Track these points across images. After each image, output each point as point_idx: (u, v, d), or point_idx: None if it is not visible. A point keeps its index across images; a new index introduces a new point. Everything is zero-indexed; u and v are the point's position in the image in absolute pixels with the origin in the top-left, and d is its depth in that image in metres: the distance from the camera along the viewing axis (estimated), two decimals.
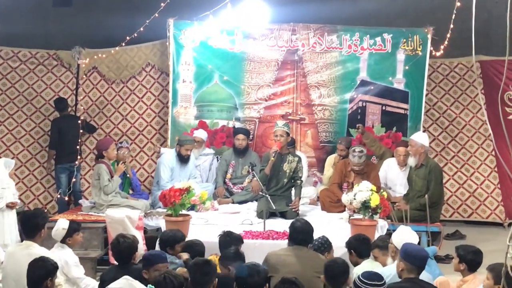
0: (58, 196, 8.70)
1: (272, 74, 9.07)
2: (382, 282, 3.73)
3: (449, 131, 9.62)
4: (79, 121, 8.66)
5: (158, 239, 5.85)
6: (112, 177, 7.53)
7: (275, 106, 9.13)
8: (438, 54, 8.45)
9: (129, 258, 4.90)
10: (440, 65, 9.73)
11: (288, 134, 7.61)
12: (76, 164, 8.59)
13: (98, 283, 5.29)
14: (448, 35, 7.89)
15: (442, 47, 8.26)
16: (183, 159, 8.17)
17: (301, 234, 5.06)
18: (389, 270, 4.68)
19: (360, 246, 5.33)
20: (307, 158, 8.94)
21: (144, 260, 4.67)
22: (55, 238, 5.50)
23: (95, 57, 9.30)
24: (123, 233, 5.45)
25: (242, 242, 5.49)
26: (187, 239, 5.95)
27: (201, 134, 8.65)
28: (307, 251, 5.04)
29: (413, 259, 4.28)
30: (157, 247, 5.80)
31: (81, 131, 8.65)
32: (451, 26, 7.49)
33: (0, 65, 9.53)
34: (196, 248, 5.36)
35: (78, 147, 8.64)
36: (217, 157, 8.85)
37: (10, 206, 6.62)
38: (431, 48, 8.72)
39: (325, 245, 5.42)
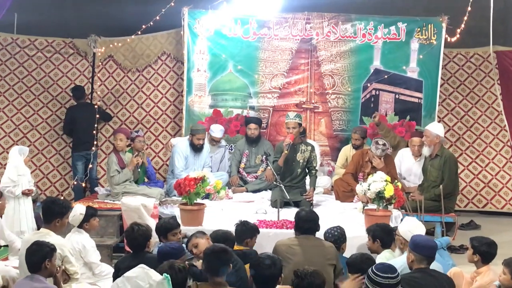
0: (75, 183, 8.79)
1: (286, 63, 9.06)
2: (396, 274, 3.72)
3: (464, 122, 9.56)
4: (95, 106, 8.71)
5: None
6: (122, 167, 7.58)
7: (289, 94, 9.13)
8: (453, 39, 8.34)
9: (143, 246, 4.98)
10: (456, 55, 9.66)
11: (300, 125, 7.55)
12: (92, 150, 8.68)
13: (113, 270, 5.38)
14: (465, 18, 7.75)
15: (458, 30, 8.15)
16: (196, 148, 8.21)
17: (307, 223, 5.08)
18: (401, 261, 4.69)
19: (386, 237, 5.34)
20: (321, 147, 8.96)
21: (165, 254, 4.65)
22: (72, 223, 5.57)
23: (111, 45, 9.36)
24: (137, 221, 5.52)
25: (258, 232, 5.53)
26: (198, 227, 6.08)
27: (219, 133, 8.56)
28: (315, 239, 5.07)
29: (422, 250, 4.31)
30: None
31: (97, 116, 8.70)
32: (469, 8, 7.40)
33: (16, 53, 9.61)
34: (231, 238, 5.32)
35: (94, 134, 8.68)
36: (229, 149, 8.87)
37: (26, 193, 6.70)
38: (446, 36, 8.64)
39: (341, 238, 5.44)
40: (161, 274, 3.94)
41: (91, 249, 5.46)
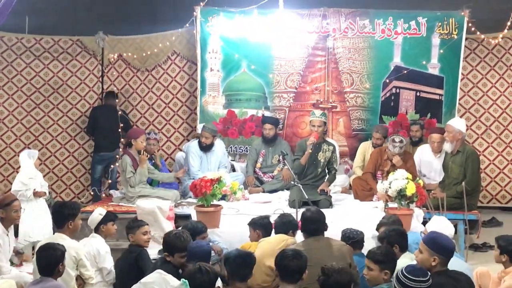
0: (92, 193, 8.76)
1: (302, 61, 8.86)
2: (428, 277, 3.54)
3: (492, 111, 9.15)
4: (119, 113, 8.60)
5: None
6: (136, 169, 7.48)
7: (306, 94, 8.93)
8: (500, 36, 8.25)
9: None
10: (482, 41, 9.10)
11: (325, 123, 7.52)
12: (115, 153, 8.63)
13: None
14: None
15: (508, 23, 8.02)
16: (202, 147, 8.14)
17: (313, 224, 4.95)
18: None
19: (403, 240, 5.12)
20: (340, 147, 8.78)
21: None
22: (90, 224, 5.57)
23: (119, 44, 9.23)
24: (153, 224, 5.51)
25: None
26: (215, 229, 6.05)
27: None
28: (324, 239, 4.92)
29: (447, 252, 4.08)
30: None
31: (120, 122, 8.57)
32: None
33: (23, 53, 9.43)
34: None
35: (116, 136, 8.52)
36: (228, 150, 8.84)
37: (38, 194, 6.61)
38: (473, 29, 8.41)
39: (360, 236, 5.31)
40: (189, 276, 3.83)
41: (104, 254, 5.38)
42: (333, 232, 5.34)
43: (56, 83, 9.48)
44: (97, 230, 5.51)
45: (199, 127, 8.63)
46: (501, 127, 9.14)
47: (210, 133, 8.11)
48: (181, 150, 9.18)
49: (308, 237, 4.96)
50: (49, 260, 4.34)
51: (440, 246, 4.06)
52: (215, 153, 8.23)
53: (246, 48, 8.89)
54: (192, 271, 3.92)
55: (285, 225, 5.36)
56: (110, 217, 5.60)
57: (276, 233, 5.34)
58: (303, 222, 5.00)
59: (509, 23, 8.07)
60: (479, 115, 9.19)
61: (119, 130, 8.35)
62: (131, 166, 7.43)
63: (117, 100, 9.03)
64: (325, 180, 7.49)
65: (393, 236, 5.06)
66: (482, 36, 8.74)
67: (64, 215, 5.11)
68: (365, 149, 8.42)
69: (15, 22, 8.88)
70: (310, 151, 7.25)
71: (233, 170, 8.71)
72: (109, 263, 5.40)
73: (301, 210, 6.50)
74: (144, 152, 7.59)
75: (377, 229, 5.49)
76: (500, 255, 4.87)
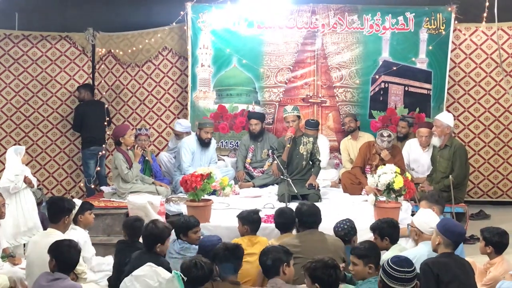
0: (82, 185, 8.77)
1: (292, 57, 8.93)
2: (412, 268, 3.63)
3: (493, 111, 9.06)
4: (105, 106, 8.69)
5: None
6: (131, 164, 7.49)
7: (295, 89, 9.01)
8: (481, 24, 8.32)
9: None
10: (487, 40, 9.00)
11: (299, 117, 7.55)
12: (103, 148, 8.69)
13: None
14: None
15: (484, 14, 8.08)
16: (203, 143, 8.15)
17: (310, 217, 5.06)
18: (414, 253, 4.63)
19: (394, 232, 5.20)
20: (329, 142, 8.83)
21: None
22: None
23: (110, 41, 9.23)
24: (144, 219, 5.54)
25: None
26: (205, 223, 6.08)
27: (179, 127, 8.56)
28: (320, 234, 5.01)
29: (452, 235, 4.26)
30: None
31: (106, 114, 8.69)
32: None
33: (11, 49, 9.39)
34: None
35: (104, 131, 8.72)
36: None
37: (27, 180, 6.57)
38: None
39: (351, 231, 5.34)
40: (184, 270, 3.90)
41: (83, 244, 5.39)
42: (324, 225, 5.34)
43: (45, 79, 9.46)
44: (75, 221, 5.55)
45: (178, 124, 8.62)
46: (501, 126, 9.05)
47: (212, 127, 8.20)
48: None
49: (303, 230, 5.04)
50: (76, 257, 4.38)
51: (445, 229, 4.28)
52: (209, 149, 8.29)
53: (236, 43, 8.95)
54: (187, 265, 3.98)
55: (289, 223, 5.38)
56: (86, 206, 5.69)
57: (280, 230, 5.42)
58: (300, 216, 5.08)
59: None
60: (478, 115, 9.10)
61: (105, 124, 8.53)
62: (125, 163, 7.42)
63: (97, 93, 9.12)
64: (312, 174, 7.55)
65: (385, 228, 5.14)
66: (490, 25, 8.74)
67: (64, 209, 5.13)
68: (346, 145, 8.56)
69: (4, 19, 8.91)
70: (289, 145, 7.32)
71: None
72: (88, 252, 5.48)
73: (290, 204, 6.68)
74: (138, 147, 7.64)
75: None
76: (485, 247, 4.97)
